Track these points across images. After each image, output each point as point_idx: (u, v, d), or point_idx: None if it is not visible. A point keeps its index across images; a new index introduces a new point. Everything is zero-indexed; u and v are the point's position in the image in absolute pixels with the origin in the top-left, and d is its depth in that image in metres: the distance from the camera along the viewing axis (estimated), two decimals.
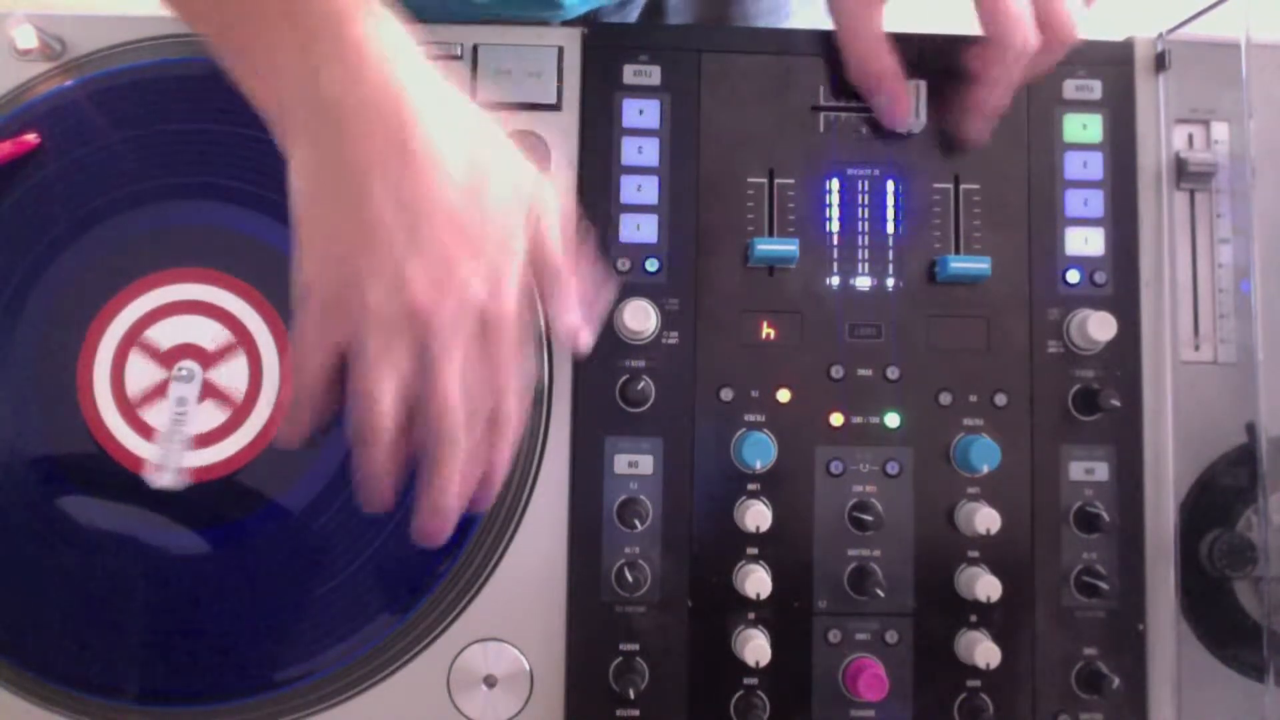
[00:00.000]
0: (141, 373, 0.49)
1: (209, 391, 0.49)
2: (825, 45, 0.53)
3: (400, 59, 0.40)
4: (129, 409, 0.49)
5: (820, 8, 0.75)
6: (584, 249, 0.50)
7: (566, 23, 0.63)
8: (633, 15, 0.72)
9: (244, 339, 0.50)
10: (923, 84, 0.52)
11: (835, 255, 0.52)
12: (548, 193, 0.45)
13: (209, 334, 0.50)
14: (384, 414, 0.41)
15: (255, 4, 0.39)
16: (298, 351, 0.43)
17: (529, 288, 0.45)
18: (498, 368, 0.43)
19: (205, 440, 0.49)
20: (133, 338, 0.50)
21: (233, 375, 0.50)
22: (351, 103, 0.39)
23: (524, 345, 0.44)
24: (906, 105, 0.51)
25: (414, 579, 0.49)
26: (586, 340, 0.49)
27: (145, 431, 0.49)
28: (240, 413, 0.49)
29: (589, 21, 0.67)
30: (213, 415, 0.49)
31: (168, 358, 0.50)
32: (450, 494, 0.43)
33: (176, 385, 0.49)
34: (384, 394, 0.41)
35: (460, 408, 0.42)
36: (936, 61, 0.52)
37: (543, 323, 0.51)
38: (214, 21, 0.41)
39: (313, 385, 0.43)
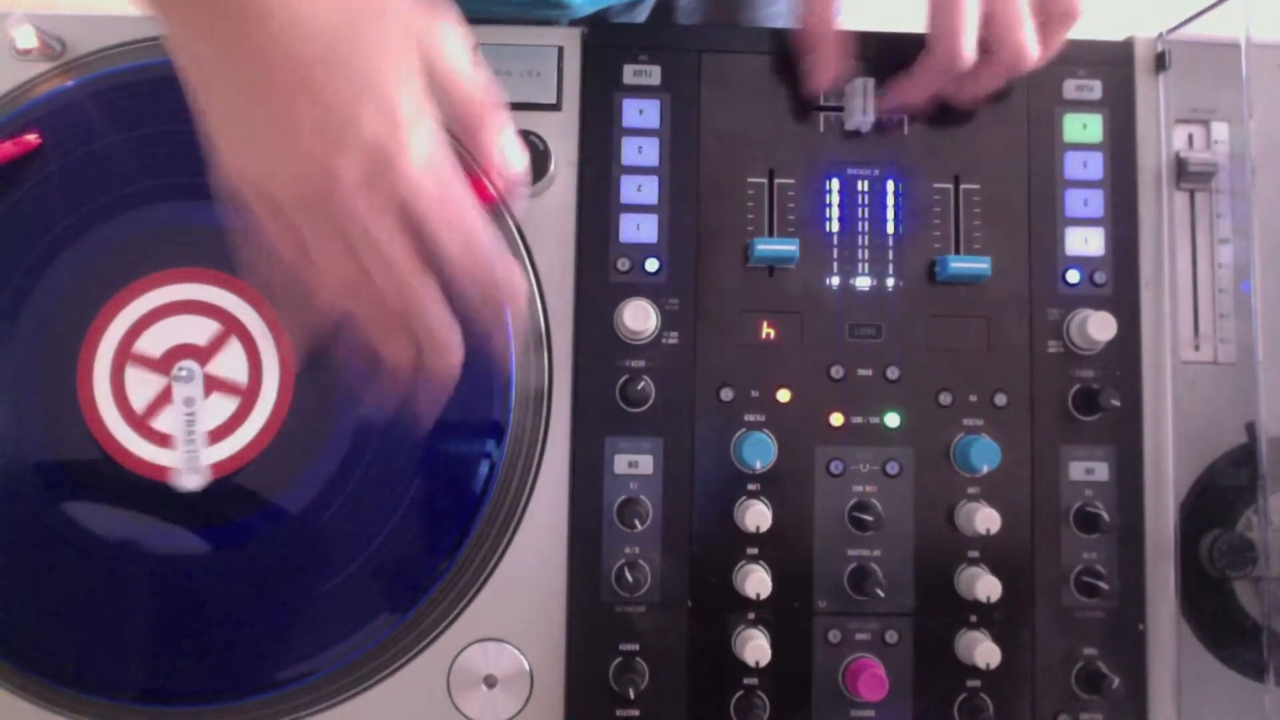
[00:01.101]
0: (142, 384, 0.50)
1: (213, 385, 0.49)
2: None
3: None
4: (139, 422, 0.49)
5: None
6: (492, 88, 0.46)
7: (575, 23, 0.63)
8: (641, 18, 0.72)
9: (233, 325, 0.49)
10: (870, 81, 0.52)
11: (835, 255, 0.52)
12: (444, 28, 0.42)
13: (198, 329, 0.50)
14: (343, 270, 0.40)
15: None
16: (275, 255, 0.42)
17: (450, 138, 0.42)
18: (433, 206, 0.40)
19: (222, 432, 0.49)
20: (124, 352, 0.50)
21: (232, 363, 0.50)
22: None
23: (459, 182, 0.41)
24: (833, 71, 0.51)
25: (414, 579, 0.49)
26: (521, 171, 0.45)
27: (162, 440, 0.49)
28: (249, 396, 0.49)
29: (593, 22, 0.67)
30: (224, 406, 0.49)
31: (163, 363, 0.50)
32: (441, 333, 0.42)
33: (179, 387, 0.49)
34: (331, 254, 0.40)
35: (401, 258, 0.40)
36: (896, 60, 0.52)
37: (543, 323, 0.51)
38: None
39: (290, 268, 0.42)
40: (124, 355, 0.49)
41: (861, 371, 0.51)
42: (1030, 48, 0.49)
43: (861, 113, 0.51)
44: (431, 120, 0.41)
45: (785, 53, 0.53)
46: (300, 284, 0.42)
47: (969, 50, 0.48)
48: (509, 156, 0.44)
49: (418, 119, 0.40)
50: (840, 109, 0.53)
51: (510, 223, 0.51)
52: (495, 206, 0.51)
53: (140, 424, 0.49)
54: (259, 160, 0.40)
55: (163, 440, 0.49)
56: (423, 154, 0.40)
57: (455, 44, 0.42)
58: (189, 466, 0.49)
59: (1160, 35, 0.54)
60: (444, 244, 0.41)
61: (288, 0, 0.38)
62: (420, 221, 0.40)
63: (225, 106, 0.40)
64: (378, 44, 0.39)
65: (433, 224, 0.41)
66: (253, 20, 0.38)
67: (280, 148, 0.39)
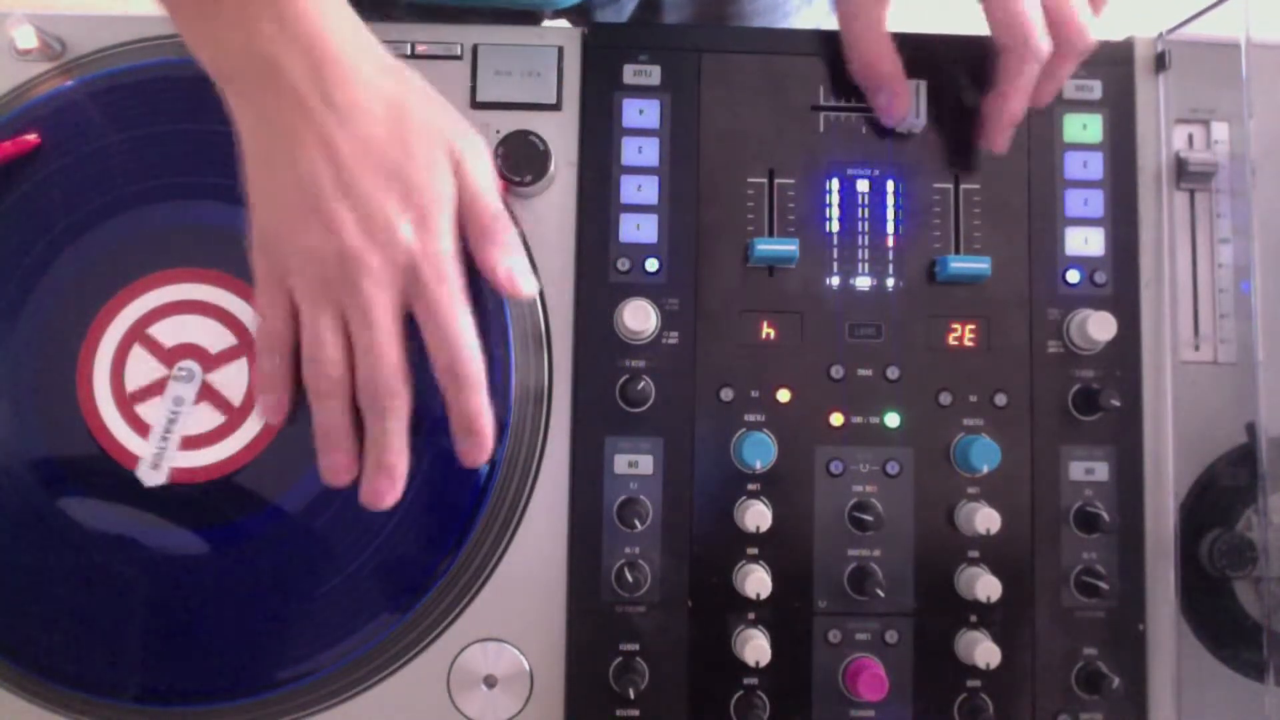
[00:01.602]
0: (142, 368, 0.49)
1: (206, 394, 0.49)
2: (825, 45, 0.53)
3: (329, 13, 0.41)
4: (126, 403, 0.49)
5: (819, 8, 0.75)
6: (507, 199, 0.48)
7: (560, 12, 0.63)
8: (627, 8, 0.72)
9: (248, 344, 0.49)
10: (923, 84, 0.52)
11: (835, 255, 0.52)
12: (471, 140, 0.45)
13: (213, 336, 0.50)
14: (329, 362, 0.42)
15: None
16: (258, 312, 0.44)
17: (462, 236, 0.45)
18: (442, 316, 0.43)
19: (197, 442, 0.49)
20: (137, 332, 0.49)
21: (232, 379, 0.49)
22: (282, 54, 0.40)
23: (466, 294, 0.44)
24: (907, 105, 0.51)
25: (414, 579, 0.49)
26: (528, 287, 0.47)
27: (141, 427, 0.49)
28: (235, 418, 0.49)
29: (583, 12, 0.67)
30: (208, 418, 0.49)
31: (170, 356, 0.50)
32: (392, 450, 0.44)
33: (175, 384, 0.49)
34: (326, 341, 0.42)
35: (395, 358, 0.42)
36: (937, 61, 0.52)
37: (543, 323, 0.51)
38: None
39: (275, 348, 0.44)
40: (135, 335, 0.49)
41: (861, 371, 0.51)
42: (1090, 24, 0.48)
43: (914, 115, 0.52)
44: (456, 239, 0.43)
45: (785, 52, 0.53)
46: (280, 363, 0.45)
47: (1042, 41, 0.47)
48: (516, 275, 0.46)
49: (446, 235, 0.43)
50: (841, 109, 0.53)
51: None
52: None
53: (126, 405, 0.49)
54: (294, 236, 0.42)
55: (143, 428, 0.49)
56: (444, 264, 0.43)
57: (482, 161, 0.45)
58: (152, 462, 0.49)
59: (1160, 35, 0.54)
60: (434, 352, 0.43)
61: (352, 116, 0.41)
62: (422, 325, 0.43)
63: (273, 185, 0.42)
64: (424, 162, 0.42)
65: (432, 330, 0.43)
66: (317, 124, 0.41)
67: (318, 232, 0.41)
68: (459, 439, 0.45)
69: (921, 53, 0.52)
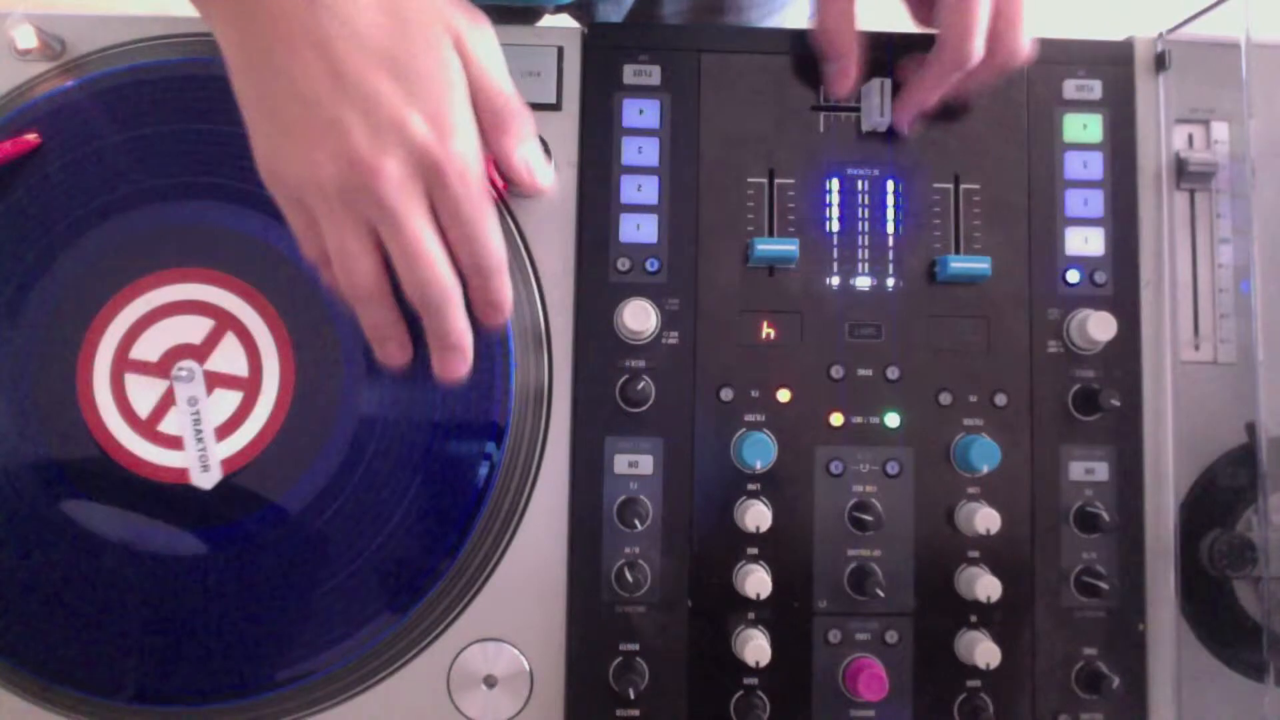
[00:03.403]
0: (145, 390, 0.49)
1: (214, 381, 0.49)
2: None
3: None
4: (146, 428, 0.49)
5: None
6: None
7: (561, 8, 0.63)
8: (625, 4, 0.72)
9: (227, 320, 0.49)
10: (888, 82, 0.52)
11: (835, 255, 0.52)
12: (473, 21, 0.42)
13: (192, 329, 0.50)
14: (364, 273, 0.41)
15: None
16: (305, 254, 0.43)
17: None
18: (466, 214, 0.41)
19: (230, 426, 0.49)
20: (122, 359, 0.49)
21: (230, 357, 0.49)
22: None
23: (486, 189, 0.42)
24: (852, 83, 0.51)
25: (414, 579, 0.49)
26: (545, 179, 0.46)
27: (141, 426, 0.49)
28: (251, 387, 0.49)
29: (583, 8, 0.67)
30: (228, 401, 0.49)
31: (162, 366, 0.50)
32: (455, 334, 0.44)
33: (181, 387, 0.49)
34: (354, 253, 0.41)
35: (435, 258, 0.41)
36: (904, 58, 0.52)
37: (543, 323, 0.51)
38: None
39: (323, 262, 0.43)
40: (122, 363, 0.49)
41: (861, 371, 0.51)
42: (1024, 48, 0.49)
43: (879, 114, 0.51)
44: (473, 128, 0.41)
45: (785, 52, 0.53)
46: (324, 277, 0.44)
47: (979, 49, 0.48)
48: (533, 165, 0.45)
49: (463, 126, 0.41)
50: (841, 109, 0.53)
51: (512, 224, 0.51)
52: (497, 205, 0.51)
53: (147, 429, 0.49)
54: (300, 154, 0.40)
55: (172, 442, 0.49)
56: (465, 161, 0.40)
57: (491, 48, 0.42)
58: (200, 465, 0.49)
59: (1160, 35, 0.54)
60: (457, 250, 0.42)
61: (339, 5, 0.38)
62: (445, 225, 0.42)
63: (268, 100, 0.40)
64: (425, 48, 0.40)
65: (456, 229, 0.42)
66: (302, 22, 0.38)
67: (324, 144, 0.39)
68: (480, 315, 0.45)
69: (893, 51, 0.52)
